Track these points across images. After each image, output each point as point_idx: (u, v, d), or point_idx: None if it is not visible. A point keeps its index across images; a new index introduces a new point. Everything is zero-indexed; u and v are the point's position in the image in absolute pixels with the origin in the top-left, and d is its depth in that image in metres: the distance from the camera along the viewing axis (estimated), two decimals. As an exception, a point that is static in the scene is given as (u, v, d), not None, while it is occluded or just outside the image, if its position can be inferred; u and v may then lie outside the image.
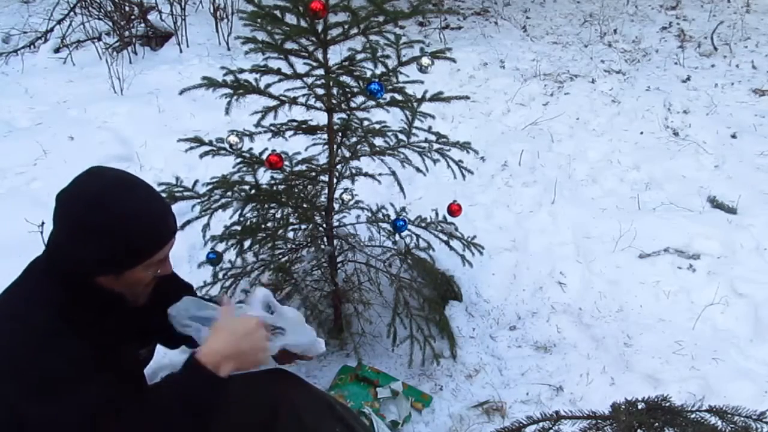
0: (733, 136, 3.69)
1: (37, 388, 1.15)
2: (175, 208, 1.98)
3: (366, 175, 2.43)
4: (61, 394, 1.15)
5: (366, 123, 2.19)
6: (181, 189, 2.19)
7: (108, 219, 1.21)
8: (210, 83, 1.88)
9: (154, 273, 1.33)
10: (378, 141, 2.24)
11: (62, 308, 1.24)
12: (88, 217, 1.21)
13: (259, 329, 1.33)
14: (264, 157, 2.03)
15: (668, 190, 3.29)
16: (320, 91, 1.98)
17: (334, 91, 1.96)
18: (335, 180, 2.22)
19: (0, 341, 1.19)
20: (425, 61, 1.82)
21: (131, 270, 1.27)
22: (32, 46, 5.02)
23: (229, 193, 2.16)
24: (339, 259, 2.41)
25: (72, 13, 5.12)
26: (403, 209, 2.49)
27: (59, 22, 5.10)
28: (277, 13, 1.75)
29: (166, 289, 1.45)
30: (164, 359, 2.17)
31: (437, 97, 1.99)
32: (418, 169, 2.32)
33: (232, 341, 1.28)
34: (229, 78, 1.89)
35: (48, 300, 1.24)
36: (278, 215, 2.33)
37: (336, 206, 2.32)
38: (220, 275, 2.33)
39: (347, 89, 1.91)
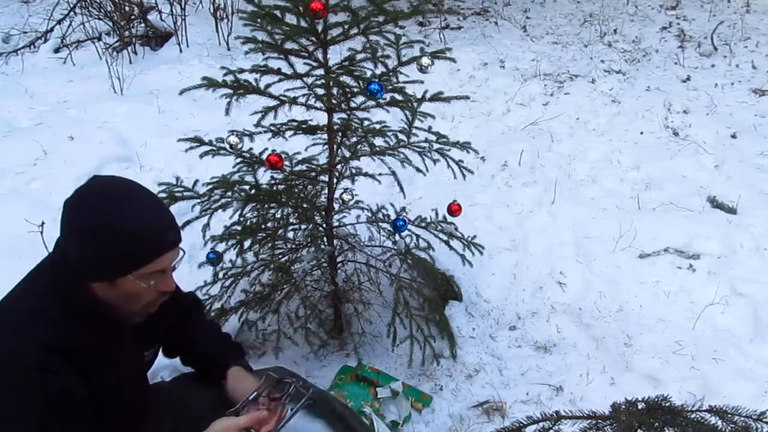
0: (733, 136, 3.68)
1: (28, 415, 1.16)
2: (175, 208, 2.00)
3: (366, 175, 2.42)
4: (47, 427, 1.17)
5: (366, 123, 2.19)
6: (181, 189, 2.18)
7: (105, 220, 1.21)
8: (210, 83, 1.88)
9: (150, 286, 1.29)
10: (378, 141, 2.24)
11: (62, 326, 1.24)
12: (87, 217, 1.22)
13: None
14: (264, 157, 2.03)
15: (668, 190, 3.28)
16: (320, 91, 1.98)
17: (334, 91, 1.96)
18: (335, 180, 2.22)
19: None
20: (425, 61, 1.82)
21: (124, 278, 1.26)
22: (32, 46, 5.02)
23: (229, 193, 2.16)
24: (339, 259, 2.41)
25: (72, 13, 5.12)
26: (403, 209, 2.49)
27: (59, 22, 5.10)
28: (277, 13, 1.75)
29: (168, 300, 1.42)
30: (165, 359, 2.17)
31: (437, 97, 1.99)
32: (418, 169, 2.32)
33: None
34: (229, 78, 1.89)
35: (49, 318, 1.23)
36: (278, 215, 2.33)
37: (336, 206, 2.32)
38: (221, 275, 2.33)
39: (347, 89, 1.91)
